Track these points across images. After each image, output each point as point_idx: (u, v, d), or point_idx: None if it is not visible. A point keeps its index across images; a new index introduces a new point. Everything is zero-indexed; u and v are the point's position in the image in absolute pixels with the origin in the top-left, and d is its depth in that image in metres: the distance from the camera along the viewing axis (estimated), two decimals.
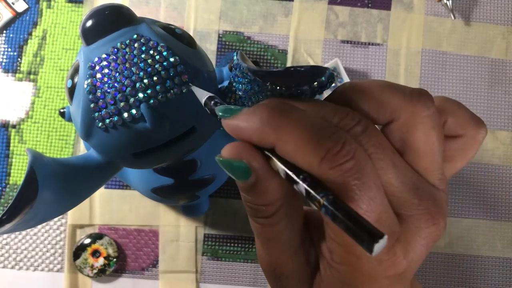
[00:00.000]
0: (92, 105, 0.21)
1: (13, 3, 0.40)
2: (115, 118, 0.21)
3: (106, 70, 0.21)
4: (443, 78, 0.40)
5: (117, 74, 0.21)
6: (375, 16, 0.40)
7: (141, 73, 0.21)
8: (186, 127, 0.23)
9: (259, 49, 0.40)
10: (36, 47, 0.40)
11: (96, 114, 0.21)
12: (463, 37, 0.40)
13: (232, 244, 0.39)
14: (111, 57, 0.21)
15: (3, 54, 0.39)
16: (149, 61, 0.21)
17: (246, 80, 0.23)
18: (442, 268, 0.39)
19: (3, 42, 0.40)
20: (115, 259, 0.37)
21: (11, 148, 0.39)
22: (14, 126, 0.39)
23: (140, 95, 0.21)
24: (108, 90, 0.21)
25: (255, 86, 0.22)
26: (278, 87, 0.21)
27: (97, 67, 0.21)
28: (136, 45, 0.21)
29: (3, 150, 0.39)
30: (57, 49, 0.40)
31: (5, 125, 0.39)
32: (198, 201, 0.35)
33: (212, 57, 0.40)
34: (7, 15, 0.40)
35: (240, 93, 0.24)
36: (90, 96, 0.21)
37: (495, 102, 0.40)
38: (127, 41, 0.21)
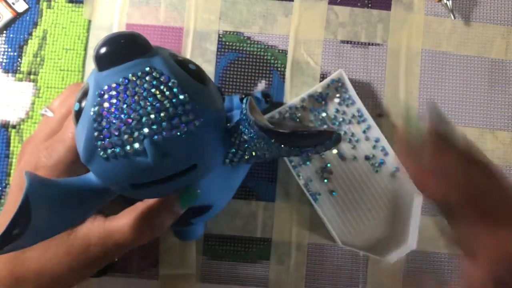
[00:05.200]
0: (96, 133, 0.21)
1: (13, 3, 0.40)
2: (117, 149, 0.21)
3: (114, 100, 0.21)
4: (443, 78, 0.40)
5: (125, 105, 0.21)
6: (375, 16, 0.40)
7: (149, 108, 0.21)
8: (187, 164, 0.22)
9: (259, 49, 0.40)
10: (36, 47, 0.40)
11: (99, 142, 0.21)
12: (463, 37, 0.40)
13: (232, 244, 0.39)
14: (121, 88, 0.21)
15: (3, 54, 0.40)
16: (159, 96, 0.21)
17: (252, 130, 0.22)
18: (442, 268, 0.39)
19: (3, 42, 0.40)
20: (115, 259, 0.37)
21: (11, 148, 0.39)
22: (14, 127, 0.39)
23: (145, 130, 0.21)
24: (114, 121, 0.21)
25: (261, 139, 0.22)
26: (283, 145, 0.21)
27: (106, 96, 0.21)
28: (147, 78, 0.21)
29: (3, 150, 0.39)
30: (58, 49, 0.40)
31: (5, 125, 0.39)
32: (192, 227, 0.35)
33: (212, 57, 0.40)
34: (7, 15, 0.40)
35: (245, 137, 0.24)
36: (95, 124, 0.21)
37: (495, 102, 0.40)
38: (139, 73, 0.21)
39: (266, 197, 0.39)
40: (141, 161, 0.21)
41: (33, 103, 0.39)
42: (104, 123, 0.21)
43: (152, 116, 0.21)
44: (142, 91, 0.21)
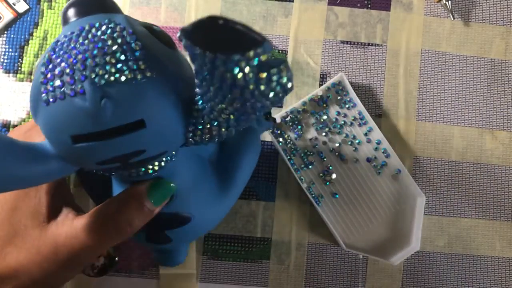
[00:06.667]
0: (41, 78, 0.20)
1: (14, 4, 0.40)
2: (56, 91, 0.20)
3: (65, 45, 0.20)
4: (442, 78, 0.40)
5: (74, 49, 0.20)
6: (375, 16, 0.41)
7: (96, 51, 0.20)
8: (132, 118, 0.21)
9: None
10: (37, 47, 0.40)
11: (43, 87, 0.20)
12: (462, 37, 0.41)
13: (232, 244, 0.39)
14: (74, 34, 0.21)
15: (4, 55, 0.40)
16: (109, 42, 0.20)
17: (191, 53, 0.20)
18: (441, 268, 0.39)
19: (4, 42, 0.40)
20: (116, 259, 0.38)
21: None
22: (15, 126, 0.39)
23: (87, 72, 0.20)
24: (59, 62, 0.20)
25: (199, 61, 0.20)
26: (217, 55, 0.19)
27: (59, 42, 0.21)
28: (103, 28, 0.21)
29: None
30: None
31: (6, 125, 0.39)
32: (172, 248, 0.31)
33: None
34: (8, 15, 0.40)
35: (200, 90, 0.22)
36: (43, 68, 0.20)
37: (494, 102, 0.40)
38: (97, 24, 0.21)
39: (266, 197, 0.39)
40: (80, 104, 0.20)
41: None
42: (50, 66, 0.20)
43: (98, 59, 0.20)
44: (94, 36, 0.20)
